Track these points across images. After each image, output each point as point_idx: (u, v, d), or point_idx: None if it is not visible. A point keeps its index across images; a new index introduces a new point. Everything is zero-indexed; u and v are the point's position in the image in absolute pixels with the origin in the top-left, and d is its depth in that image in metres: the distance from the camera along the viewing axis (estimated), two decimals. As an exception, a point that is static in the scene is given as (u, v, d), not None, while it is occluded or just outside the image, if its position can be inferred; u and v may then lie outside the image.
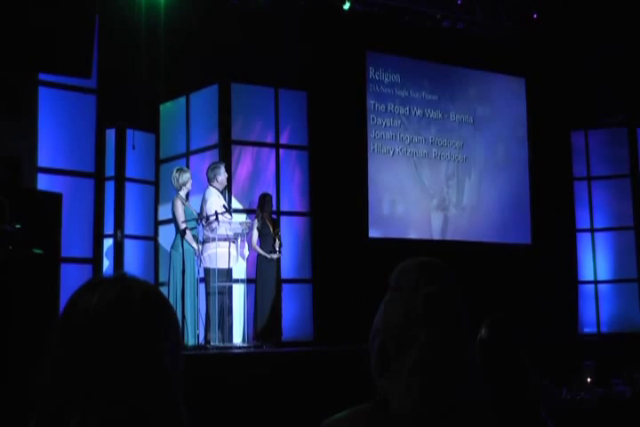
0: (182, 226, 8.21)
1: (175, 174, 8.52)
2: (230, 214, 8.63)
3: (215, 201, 8.42)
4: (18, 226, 5.72)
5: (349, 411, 1.51)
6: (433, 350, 1.41)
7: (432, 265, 1.55)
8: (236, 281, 8.70)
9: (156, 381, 1.20)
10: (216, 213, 8.07)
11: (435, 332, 1.42)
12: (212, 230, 8.18)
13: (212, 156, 9.48)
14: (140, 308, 1.23)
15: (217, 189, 8.56)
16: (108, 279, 1.27)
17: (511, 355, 2.43)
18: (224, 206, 8.44)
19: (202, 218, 8.29)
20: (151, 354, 1.21)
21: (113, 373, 1.17)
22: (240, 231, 8.37)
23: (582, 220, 11.89)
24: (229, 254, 8.25)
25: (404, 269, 1.55)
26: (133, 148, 9.11)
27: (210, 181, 8.56)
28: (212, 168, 8.59)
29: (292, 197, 9.88)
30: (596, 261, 11.75)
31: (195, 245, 8.27)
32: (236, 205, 9.32)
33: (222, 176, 8.58)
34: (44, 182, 8.08)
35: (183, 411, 1.24)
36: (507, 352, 2.42)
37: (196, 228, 8.41)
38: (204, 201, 8.49)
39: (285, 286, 9.23)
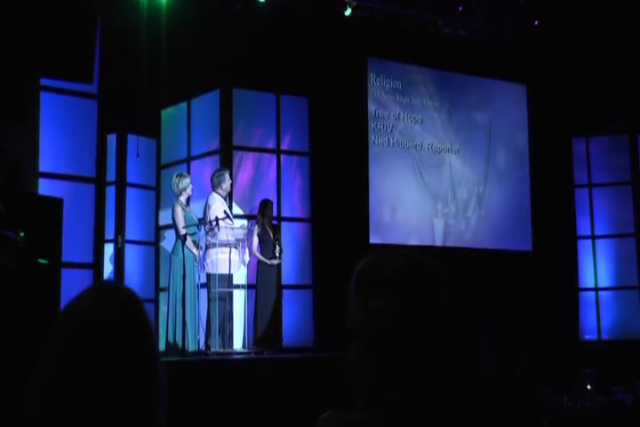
0: (182, 231, 8.21)
1: (175, 180, 8.53)
2: (232, 220, 8.64)
3: (219, 207, 8.42)
4: (22, 234, 5.71)
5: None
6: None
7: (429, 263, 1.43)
8: (237, 287, 8.70)
9: (129, 386, 1.21)
10: (217, 219, 8.07)
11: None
12: (214, 236, 8.18)
13: (213, 161, 9.48)
14: (110, 314, 1.24)
15: (220, 195, 8.57)
16: (84, 290, 1.30)
17: (501, 369, 2.40)
18: (225, 212, 8.44)
19: (204, 224, 8.30)
20: (122, 360, 1.22)
21: (87, 378, 1.19)
22: (241, 237, 8.38)
23: (583, 227, 11.89)
24: (230, 260, 8.25)
25: (409, 269, 1.41)
26: (138, 155, 9.12)
27: (214, 188, 8.57)
28: (217, 175, 8.60)
29: (293, 203, 9.88)
30: (596, 268, 11.74)
31: (195, 250, 8.26)
32: (236, 210, 9.32)
33: (227, 183, 8.59)
34: (44, 187, 8.09)
35: (160, 418, 1.26)
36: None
37: (196, 233, 8.41)
38: (207, 207, 8.50)
39: (286, 292, 9.23)
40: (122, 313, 1.26)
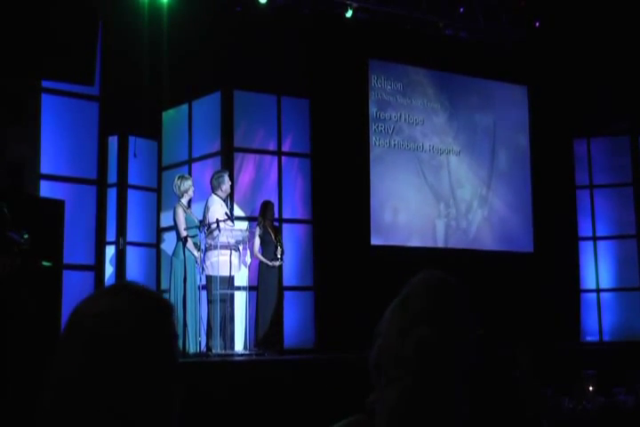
0: (183, 233, 8.21)
1: (177, 182, 8.52)
2: (232, 222, 8.64)
3: (218, 209, 8.42)
4: (26, 236, 5.72)
5: (342, 423, 1.51)
6: (416, 396, 1.39)
7: (447, 294, 1.50)
8: (238, 288, 8.70)
9: (158, 386, 1.21)
10: (217, 221, 8.07)
11: (421, 377, 1.40)
12: (214, 238, 8.18)
13: (215, 163, 9.49)
14: (145, 317, 1.24)
15: (220, 197, 8.56)
16: (112, 289, 1.29)
17: (501, 370, 2.41)
18: (226, 214, 8.44)
19: (204, 226, 8.29)
20: (155, 363, 1.22)
21: (117, 381, 1.19)
22: (242, 239, 8.37)
23: (584, 228, 11.88)
24: (230, 262, 8.26)
25: (419, 288, 1.50)
26: (135, 155, 9.13)
27: (214, 190, 8.56)
28: (217, 177, 8.59)
29: (294, 205, 9.88)
30: (598, 269, 11.73)
31: (195, 252, 8.26)
32: (238, 212, 9.32)
33: (226, 185, 8.58)
34: (46, 189, 8.09)
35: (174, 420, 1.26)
36: (495, 368, 2.40)
37: (197, 235, 8.40)
38: (206, 209, 8.50)
39: (287, 294, 9.23)
40: (152, 315, 1.25)
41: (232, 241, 8.28)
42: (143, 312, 1.24)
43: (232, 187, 8.90)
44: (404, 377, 1.40)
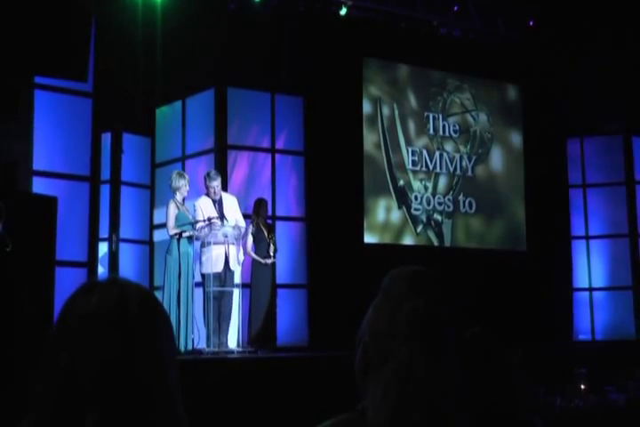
0: (171, 231, 8.13)
1: (172, 178, 8.43)
2: (223, 221, 8.58)
3: (206, 209, 8.32)
4: None
5: (331, 421, 1.51)
6: (411, 366, 1.41)
7: (424, 276, 1.54)
8: (231, 286, 8.68)
9: (155, 381, 1.20)
10: (209, 219, 8.05)
11: (415, 348, 1.42)
12: (206, 236, 8.14)
13: (208, 160, 9.47)
14: (138, 311, 1.23)
15: (209, 196, 8.42)
16: (103, 283, 1.27)
17: (495, 368, 2.40)
18: (219, 212, 8.39)
19: (194, 223, 8.24)
20: (151, 356, 1.21)
21: (113, 375, 1.17)
22: (235, 235, 8.33)
23: (577, 227, 11.91)
24: (226, 258, 8.24)
25: (396, 277, 1.54)
26: (123, 152, 9.10)
27: (206, 190, 8.50)
28: (206, 177, 8.42)
29: (288, 202, 9.87)
30: (590, 268, 11.76)
31: (190, 248, 8.21)
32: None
33: (211, 184, 8.35)
34: (39, 186, 8.05)
35: (182, 411, 1.25)
36: (489, 366, 2.38)
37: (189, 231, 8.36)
38: (195, 208, 8.44)
39: (280, 292, 9.22)
40: (142, 313, 1.24)
41: (224, 238, 8.23)
42: (133, 311, 1.23)
43: (225, 184, 8.86)
44: (400, 348, 1.42)
